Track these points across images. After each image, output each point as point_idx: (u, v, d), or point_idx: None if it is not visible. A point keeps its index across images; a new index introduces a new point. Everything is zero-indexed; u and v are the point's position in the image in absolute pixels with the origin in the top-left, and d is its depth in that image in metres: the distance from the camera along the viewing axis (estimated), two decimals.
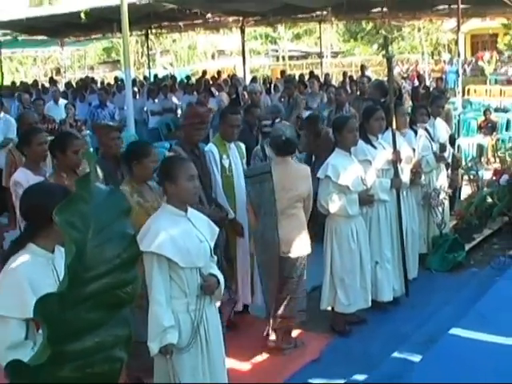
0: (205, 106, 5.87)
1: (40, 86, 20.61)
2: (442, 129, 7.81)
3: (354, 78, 18.13)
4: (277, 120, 7.93)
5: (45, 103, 12.53)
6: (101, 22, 19.74)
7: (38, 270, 3.01)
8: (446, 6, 18.19)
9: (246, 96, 13.98)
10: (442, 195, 7.31)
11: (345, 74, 20.59)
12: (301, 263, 5.39)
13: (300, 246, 5.34)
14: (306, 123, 8.06)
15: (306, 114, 6.91)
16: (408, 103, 8.60)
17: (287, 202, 5.27)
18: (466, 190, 9.32)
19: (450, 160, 7.78)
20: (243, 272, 5.83)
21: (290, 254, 5.31)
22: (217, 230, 4.06)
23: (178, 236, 3.72)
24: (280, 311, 5.39)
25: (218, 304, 5.22)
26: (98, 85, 21.09)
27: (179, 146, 5.54)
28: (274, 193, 5.17)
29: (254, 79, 19.84)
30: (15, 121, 10.07)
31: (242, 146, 6.03)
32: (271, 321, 5.44)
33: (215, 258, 4.05)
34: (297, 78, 19.60)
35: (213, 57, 43.15)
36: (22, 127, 7.64)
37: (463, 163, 9.67)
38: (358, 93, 11.50)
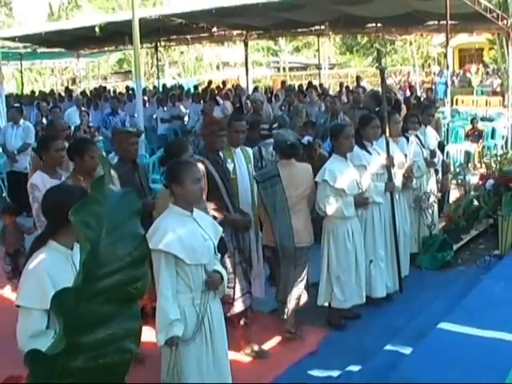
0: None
1: (57, 95, 20.65)
2: (431, 136, 7.80)
3: (350, 88, 18.11)
4: (274, 125, 7.95)
5: (61, 111, 12.57)
6: (114, 36, 19.75)
7: (58, 265, 3.04)
8: (436, 22, 18.18)
9: (249, 104, 13.99)
10: (432, 198, 7.31)
11: (341, 84, 20.60)
12: (306, 252, 5.58)
13: (308, 237, 5.60)
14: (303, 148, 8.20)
15: (304, 139, 6.89)
16: (404, 112, 8.59)
17: (295, 199, 5.47)
18: (454, 194, 9.31)
19: (440, 165, 7.77)
20: (256, 268, 5.82)
21: (301, 244, 5.49)
22: (220, 229, 4.06)
23: (184, 235, 3.73)
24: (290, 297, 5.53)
25: (241, 308, 5.18)
26: (108, 94, 21.09)
27: (201, 155, 5.35)
28: (285, 192, 5.36)
29: (256, 89, 19.84)
30: (44, 127, 10.14)
31: (249, 150, 5.99)
32: (287, 308, 5.52)
33: (219, 255, 4.05)
34: (296, 87, 19.60)
35: (218, 68, 43.17)
36: (51, 133, 7.50)
37: (451, 168, 9.67)
38: (353, 102, 11.49)
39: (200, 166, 4.99)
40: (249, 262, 5.51)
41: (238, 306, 5.22)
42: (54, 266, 3.02)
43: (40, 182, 5.10)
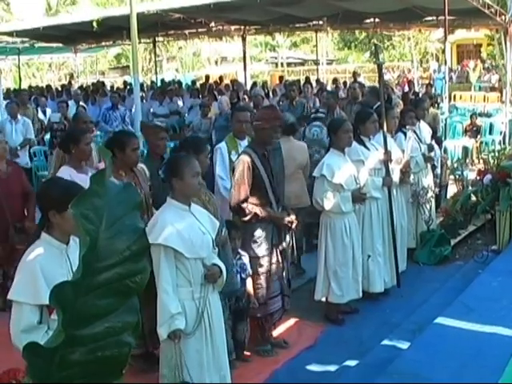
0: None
1: (54, 90, 20.62)
2: (425, 131, 7.81)
3: (348, 84, 18.07)
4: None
5: (68, 106, 12.54)
6: (111, 31, 19.73)
7: (51, 259, 3.03)
8: (434, 18, 18.16)
9: (247, 99, 13.97)
10: (430, 193, 7.32)
11: (335, 80, 20.50)
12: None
13: (305, 198, 6.27)
14: None
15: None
16: (400, 107, 8.59)
17: (293, 168, 6.14)
18: (452, 189, 9.32)
19: (438, 160, 7.77)
20: None
21: (300, 205, 6.13)
22: (217, 223, 4.06)
23: (182, 229, 3.73)
24: None
25: (270, 310, 5.15)
26: (108, 88, 21.06)
27: (250, 148, 5.17)
28: (283, 162, 5.52)
29: (255, 84, 19.84)
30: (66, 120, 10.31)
31: None
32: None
33: (216, 249, 4.04)
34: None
35: (216, 63, 43.05)
36: (76, 126, 7.26)
37: (449, 164, 9.68)
38: (350, 97, 11.46)
39: (246, 158, 4.98)
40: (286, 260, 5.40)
41: (267, 308, 5.16)
42: (47, 261, 3.00)
43: (67, 177, 4.92)
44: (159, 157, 5.31)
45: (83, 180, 4.88)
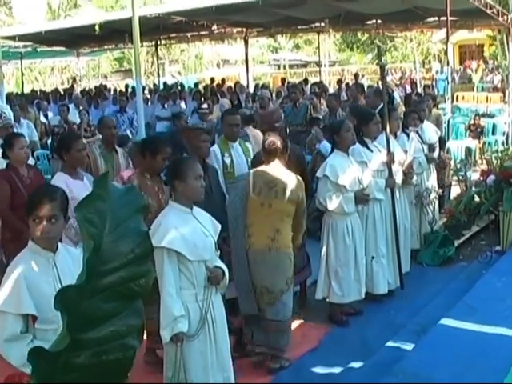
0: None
1: (57, 94, 20.65)
2: (430, 130, 7.79)
3: (350, 85, 18.05)
4: None
5: (69, 109, 12.56)
6: (113, 34, 19.77)
7: (37, 268, 3.02)
8: (436, 18, 18.17)
9: (251, 102, 14.00)
10: (433, 194, 7.31)
11: (340, 80, 20.49)
12: None
13: None
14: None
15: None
16: (401, 109, 8.58)
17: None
18: (455, 190, 9.30)
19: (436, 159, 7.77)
20: None
21: None
22: (219, 225, 4.06)
23: (185, 231, 3.74)
24: None
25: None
26: (112, 92, 21.10)
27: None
28: None
29: (257, 86, 19.89)
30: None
31: (249, 145, 6.13)
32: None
33: (218, 252, 4.05)
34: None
35: (218, 66, 43.12)
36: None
37: (452, 165, 9.66)
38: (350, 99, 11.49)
39: None
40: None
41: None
42: (32, 269, 2.99)
43: (63, 184, 4.62)
44: (202, 160, 5.06)
45: (79, 186, 4.87)
